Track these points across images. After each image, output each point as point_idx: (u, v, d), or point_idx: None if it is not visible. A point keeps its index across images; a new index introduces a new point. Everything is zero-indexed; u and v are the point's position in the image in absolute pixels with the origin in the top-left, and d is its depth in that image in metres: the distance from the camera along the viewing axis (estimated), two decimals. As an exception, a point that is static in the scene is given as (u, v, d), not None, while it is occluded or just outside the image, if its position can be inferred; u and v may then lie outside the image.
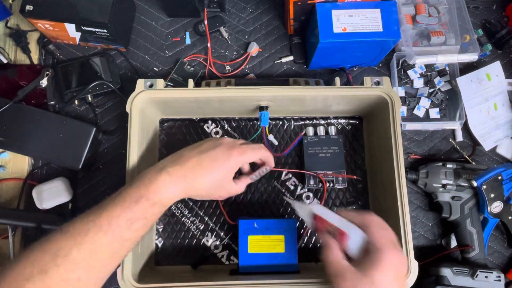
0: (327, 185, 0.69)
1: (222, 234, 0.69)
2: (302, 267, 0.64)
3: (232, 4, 0.80)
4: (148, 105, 0.64)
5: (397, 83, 0.75)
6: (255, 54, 0.78)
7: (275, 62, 0.78)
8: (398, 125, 0.61)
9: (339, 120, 0.73)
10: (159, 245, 0.68)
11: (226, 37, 0.78)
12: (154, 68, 0.77)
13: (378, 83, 0.63)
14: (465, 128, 0.74)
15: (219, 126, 0.73)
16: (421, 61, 0.73)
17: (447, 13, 0.75)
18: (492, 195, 0.64)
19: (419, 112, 0.75)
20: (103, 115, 0.75)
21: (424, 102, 0.75)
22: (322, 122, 0.73)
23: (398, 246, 0.45)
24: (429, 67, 0.77)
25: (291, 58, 0.78)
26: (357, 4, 0.65)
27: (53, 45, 0.76)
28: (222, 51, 0.78)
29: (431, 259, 0.67)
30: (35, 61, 0.76)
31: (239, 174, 0.63)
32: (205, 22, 0.75)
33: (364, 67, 0.78)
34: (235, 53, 0.78)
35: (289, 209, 0.70)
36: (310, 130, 0.72)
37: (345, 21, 0.64)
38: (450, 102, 0.76)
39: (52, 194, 0.68)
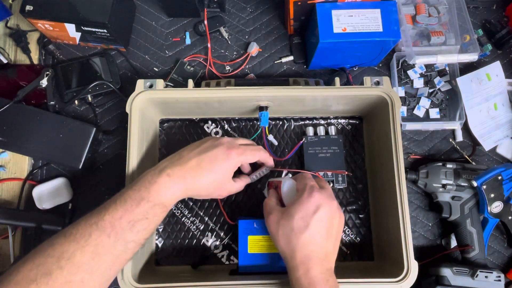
0: (327, 185, 0.69)
1: (222, 234, 0.69)
2: (302, 267, 0.64)
3: (232, 4, 0.80)
4: (148, 105, 0.64)
5: (397, 83, 0.75)
6: (255, 54, 0.78)
7: (275, 62, 0.78)
8: (398, 125, 0.61)
9: (339, 120, 0.73)
10: (159, 245, 0.68)
11: (226, 37, 0.78)
12: (154, 68, 0.77)
13: (378, 83, 0.63)
14: (465, 128, 0.74)
15: (219, 126, 0.73)
16: (421, 61, 0.73)
17: (447, 13, 0.75)
18: (492, 195, 0.64)
19: (419, 112, 0.75)
20: (103, 115, 0.75)
21: (424, 102, 0.75)
22: (322, 122, 0.73)
23: (313, 189, 0.53)
24: (429, 67, 0.77)
25: (291, 58, 0.78)
26: (357, 4, 0.65)
27: (53, 45, 0.76)
28: (222, 51, 0.78)
29: (431, 259, 0.67)
30: (35, 61, 0.76)
31: (238, 173, 0.63)
32: (205, 22, 0.75)
33: (364, 67, 0.78)
34: (235, 53, 0.78)
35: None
36: (310, 130, 0.72)
37: (345, 21, 0.64)
38: (450, 102, 0.76)
39: (52, 194, 0.68)
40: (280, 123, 0.73)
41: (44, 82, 0.71)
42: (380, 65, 0.78)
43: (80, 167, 0.67)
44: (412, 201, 0.72)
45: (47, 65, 0.75)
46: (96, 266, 0.45)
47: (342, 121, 0.73)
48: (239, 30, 0.79)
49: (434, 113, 0.75)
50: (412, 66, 0.76)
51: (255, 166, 0.66)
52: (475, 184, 0.64)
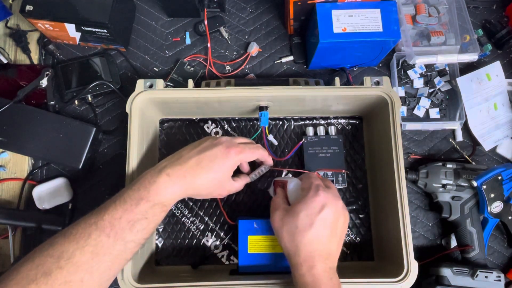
0: (327, 185, 0.69)
1: (222, 234, 0.69)
2: (302, 267, 0.64)
3: (232, 4, 0.80)
4: (148, 105, 0.64)
5: (397, 83, 0.75)
6: (255, 54, 0.78)
7: (275, 62, 0.78)
8: (398, 125, 0.61)
9: (339, 120, 0.73)
10: (159, 245, 0.68)
11: (226, 37, 0.78)
12: (154, 68, 0.77)
13: (378, 83, 0.63)
14: (465, 128, 0.74)
15: (219, 126, 0.73)
16: (421, 61, 0.73)
17: (447, 13, 0.75)
18: (492, 195, 0.64)
19: (419, 112, 0.75)
20: (103, 115, 0.75)
21: (424, 102, 0.75)
22: (322, 122, 0.73)
23: (319, 188, 0.53)
24: (429, 67, 0.77)
25: (291, 58, 0.78)
26: (357, 4, 0.65)
27: (53, 45, 0.76)
28: (222, 51, 0.78)
29: (431, 259, 0.67)
30: (35, 61, 0.76)
31: (238, 172, 0.63)
32: (205, 22, 0.75)
33: (364, 67, 0.78)
34: (235, 53, 0.78)
35: (289, 209, 0.70)
36: (310, 130, 0.72)
37: (345, 21, 0.64)
38: (450, 102, 0.76)
39: (52, 194, 0.68)
40: (280, 123, 0.73)
41: (44, 82, 0.71)
42: (380, 65, 0.78)
43: (80, 167, 0.67)
44: (412, 201, 0.72)
45: (47, 65, 0.75)
46: (96, 266, 0.45)
47: (342, 121, 0.73)
48: (239, 30, 0.79)
49: (434, 113, 0.75)
50: (412, 66, 0.76)
51: (254, 165, 0.66)
52: (475, 184, 0.64)
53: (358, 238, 0.69)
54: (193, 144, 0.56)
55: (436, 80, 0.76)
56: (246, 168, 0.64)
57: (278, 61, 0.78)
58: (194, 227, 0.69)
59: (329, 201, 0.52)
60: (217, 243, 0.68)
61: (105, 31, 0.69)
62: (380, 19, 0.64)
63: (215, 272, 0.65)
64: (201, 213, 0.69)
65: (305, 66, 0.78)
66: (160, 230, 0.68)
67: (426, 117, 0.76)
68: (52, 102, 0.71)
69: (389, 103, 0.62)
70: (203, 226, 0.69)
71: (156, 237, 0.68)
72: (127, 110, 0.61)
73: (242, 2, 0.80)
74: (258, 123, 0.72)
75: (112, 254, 0.47)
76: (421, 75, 0.76)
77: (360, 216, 0.69)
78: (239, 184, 0.60)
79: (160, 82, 0.62)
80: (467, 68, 0.77)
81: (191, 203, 0.69)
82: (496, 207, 0.65)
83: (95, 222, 0.47)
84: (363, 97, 0.64)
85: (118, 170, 0.72)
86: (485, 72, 0.74)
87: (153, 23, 0.79)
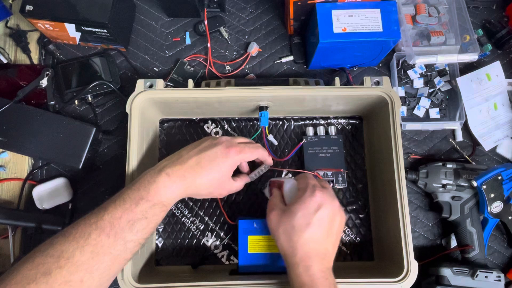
0: (327, 185, 0.69)
1: (222, 234, 0.69)
2: (302, 267, 0.64)
3: (232, 4, 0.80)
4: (148, 105, 0.64)
5: (397, 83, 0.75)
6: (255, 54, 0.78)
7: (275, 62, 0.78)
8: (398, 125, 0.61)
9: (339, 120, 0.73)
10: (159, 245, 0.68)
11: (226, 37, 0.78)
12: (154, 68, 0.77)
13: (378, 83, 0.63)
14: (465, 128, 0.74)
15: (219, 126, 0.73)
16: (421, 61, 0.73)
17: (447, 13, 0.75)
18: (492, 195, 0.64)
19: (419, 112, 0.75)
20: (103, 115, 0.75)
21: (424, 102, 0.75)
22: (322, 122, 0.73)
23: (315, 188, 0.53)
24: (429, 67, 0.77)
25: (291, 58, 0.78)
26: (357, 4, 0.65)
27: (53, 45, 0.76)
28: (222, 51, 0.78)
29: (431, 259, 0.67)
30: (35, 61, 0.76)
31: (238, 172, 0.63)
32: (205, 22, 0.75)
33: (364, 67, 0.78)
34: (235, 53, 0.78)
35: (289, 209, 0.70)
36: (310, 130, 0.72)
37: (345, 21, 0.64)
38: (450, 102, 0.76)
39: (52, 194, 0.68)
40: (280, 123, 0.73)
41: (44, 82, 0.71)
42: (380, 65, 0.78)
43: (80, 167, 0.67)
44: (412, 201, 0.72)
45: (47, 65, 0.75)
46: (96, 265, 0.45)
47: (342, 121, 0.73)
48: (239, 30, 0.79)
49: (434, 113, 0.75)
50: (412, 66, 0.76)
51: (253, 165, 0.66)
52: (475, 184, 0.64)
53: (358, 238, 0.69)
54: (193, 144, 0.56)
55: (436, 80, 0.76)
56: (245, 168, 0.64)
57: (278, 61, 0.78)
58: (194, 227, 0.69)
59: (325, 201, 0.52)
60: (217, 243, 0.68)
61: (105, 31, 0.69)
62: (380, 19, 0.64)
63: (215, 272, 0.65)
64: (201, 213, 0.69)
65: (305, 66, 0.78)
66: (160, 230, 0.68)
67: (426, 117, 0.76)
68: (52, 102, 0.71)
69: (389, 103, 0.62)
70: (203, 226, 0.69)
71: (156, 237, 0.68)
72: (127, 110, 0.61)
73: (242, 2, 0.80)
74: (258, 123, 0.72)
75: (112, 254, 0.47)
76: (421, 75, 0.76)
77: (360, 216, 0.69)
78: (239, 183, 0.60)
79: (160, 82, 0.62)
80: (467, 68, 0.77)
81: (191, 203, 0.70)
82: (496, 207, 0.65)
83: (95, 222, 0.47)
84: (363, 97, 0.64)
85: (118, 170, 0.72)
86: (485, 72, 0.74)
87: (153, 23, 0.79)
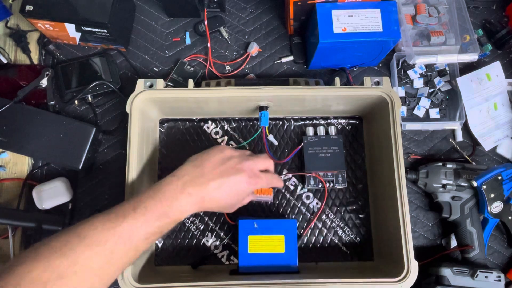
0: (327, 185, 0.69)
1: (222, 234, 0.69)
2: (302, 267, 0.64)
3: (232, 4, 0.80)
4: (148, 105, 0.64)
5: (397, 83, 0.75)
6: (255, 54, 0.78)
7: (275, 62, 0.78)
8: (398, 125, 0.61)
9: (339, 120, 0.73)
10: (159, 245, 0.68)
11: (226, 37, 0.78)
12: (154, 68, 0.77)
13: (378, 83, 0.63)
14: (465, 128, 0.74)
15: (219, 126, 0.73)
16: (421, 61, 0.73)
17: (447, 13, 0.75)
18: (492, 195, 0.64)
19: (419, 112, 0.75)
20: (103, 115, 0.75)
21: (424, 102, 0.75)
22: (322, 122, 0.73)
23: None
24: (429, 67, 0.77)
25: (291, 58, 0.78)
26: (357, 4, 0.65)
27: (53, 45, 0.76)
28: (222, 51, 0.78)
29: (431, 259, 0.67)
30: (35, 61, 0.76)
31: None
32: (205, 22, 0.75)
33: (364, 67, 0.78)
34: (235, 53, 0.78)
35: (289, 209, 0.70)
36: (310, 130, 0.72)
37: (345, 21, 0.64)
38: (450, 102, 0.76)
39: (52, 194, 0.68)
40: (280, 123, 0.73)
41: (44, 82, 0.71)
42: (380, 65, 0.78)
43: (80, 167, 0.67)
44: (412, 201, 0.72)
45: (47, 65, 0.75)
46: (109, 271, 0.46)
47: (342, 121, 0.73)
48: (239, 30, 0.79)
49: (434, 113, 0.75)
50: (412, 66, 0.76)
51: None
52: (475, 184, 0.64)
53: (358, 238, 0.69)
54: (216, 158, 0.55)
55: (436, 80, 0.76)
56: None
57: (278, 61, 0.78)
58: (194, 227, 0.69)
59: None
60: (217, 243, 0.68)
61: (105, 31, 0.69)
62: (380, 19, 0.64)
63: (215, 272, 0.65)
64: (201, 213, 0.69)
65: (305, 66, 0.78)
66: (160, 230, 0.68)
67: (426, 117, 0.76)
68: (52, 102, 0.71)
69: (389, 103, 0.62)
70: (203, 226, 0.69)
71: (156, 237, 0.68)
72: (127, 110, 0.61)
73: (242, 2, 0.80)
74: (258, 123, 0.72)
75: (125, 261, 0.47)
76: (421, 75, 0.76)
77: (360, 216, 0.69)
78: (246, 201, 0.61)
79: (160, 82, 0.62)
80: (467, 68, 0.77)
81: (191, 203, 0.69)
82: (496, 207, 0.65)
83: (114, 227, 0.46)
84: (363, 97, 0.64)
85: (118, 170, 0.72)
86: (485, 72, 0.74)
87: (153, 23, 0.79)
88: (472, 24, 0.74)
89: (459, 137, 0.74)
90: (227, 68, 0.77)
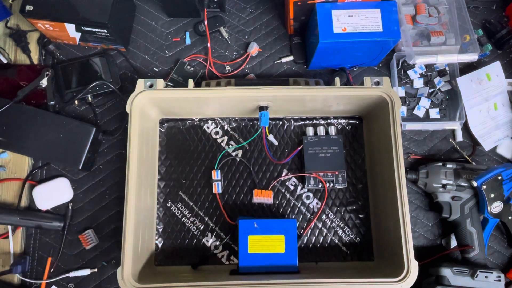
0: (327, 185, 0.69)
1: (222, 234, 0.69)
2: (302, 267, 0.64)
3: (232, 4, 0.80)
4: (148, 105, 0.64)
5: (397, 83, 0.75)
6: (255, 54, 0.78)
7: (275, 62, 0.78)
8: (398, 125, 0.61)
9: (339, 120, 0.73)
10: (159, 245, 0.68)
11: (226, 37, 0.78)
12: (154, 68, 0.77)
13: (378, 83, 0.63)
14: (465, 128, 0.74)
15: (219, 126, 0.73)
16: (421, 61, 0.73)
17: (447, 13, 0.75)
18: (492, 195, 0.64)
19: (419, 112, 0.75)
20: (103, 115, 0.75)
21: (424, 102, 0.75)
22: (322, 122, 0.73)
23: None
24: (429, 67, 0.77)
25: (291, 58, 0.78)
26: (357, 4, 0.65)
27: (53, 45, 0.76)
28: (222, 51, 0.78)
29: (431, 259, 0.67)
30: (35, 61, 0.76)
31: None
32: (205, 22, 0.75)
33: (364, 67, 0.78)
34: (235, 53, 0.78)
35: (289, 209, 0.70)
36: (310, 130, 0.72)
37: (345, 21, 0.64)
38: (450, 102, 0.76)
39: (52, 194, 0.68)
40: (280, 123, 0.73)
41: (44, 82, 0.71)
42: (380, 65, 0.78)
43: (80, 167, 0.67)
44: (412, 201, 0.72)
45: (47, 65, 0.75)
46: None
47: (342, 121, 0.73)
48: (239, 30, 0.79)
49: (434, 113, 0.75)
50: (412, 66, 0.76)
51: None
52: (475, 184, 0.64)
53: (358, 238, 0.69)
54: None
55: (436, 80, 0.76)
56: None
57: (278, 61, 0.78)
58: (194, 227, 0.69)
59: None
60: (217, 243, 0.68)
61: (105, 31, 0.69)
62: (380, 19, 0.64)
63: (215, 272, 0.65)
64: (201, 213, 0.69)
65: (305, 66, 0.78)
66: (160, 230, 0.68)
67: (426, 117, 0.75)
68: (52, 102, 0.71)
69: (389, 103, 0.62)
70: (203, 226, 0.69)
71: (156, 237, 0.68)
72: (127, 110, 0.61)
73: (242, 2, 0.80)
74: (258, 123, 0.72)
75: None
76: (421, 75, 0.76)
77: (360, 216, 0.69)
78: None
79: (160, 82, 0.62)
80: (467, 68, 0.77)
81: (191, 203, 0.70)
82: (496, 207, 0.65)
83: None
84: (363, 97, 0.64)
85: (118, 170, 0.72)
86: (485, 72, 0.74)
87: (153, 23, 0.79)
88: (472, 24, 0.74)
89: (459, 137, 0.74)
90: (227, 68, 0.77)
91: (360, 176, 0.71)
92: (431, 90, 0.76)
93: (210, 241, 0.68)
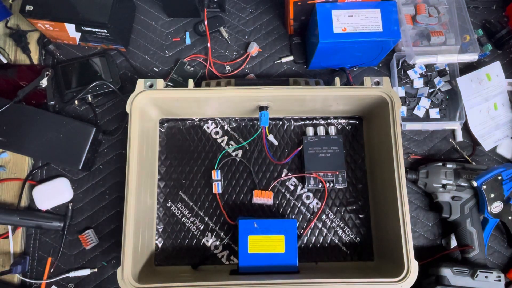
0: (327, 185, 0.69)
1: (222, 234, 0.69)
2: (302, 267, 0.64)
3: (232, 4, 0.80)
4: (148, 105, 0.64)
5: (397, 83, 0.75)
6: (255, 54, 0.78)
7: (275, 62, 0.78)
8: (398, 125, 0.61)
9: (339, 120, 0.73)
10: (159, 245, 0.68)
11: (226, 37, 0.78)
12: (154, 68, 0.77)
13: (378, 83, 0.63)
14: (465, 128, 0.74)
15: (219, 126, 0.73)
16: (421, 61, 0.73)
17: (447, 13, 0.75)
18: (492, 195, 0.64)
19: (419, 112, 0.75)
20: (103, 115, 0.75)
21: (424, 102, 0.75)
22: (322, 122, 0.73)
23: None
24: (429, 67, 0.77)
25: (291, 58, 0.78)
26: (357, 4, 0.65)
27: (53, 45, 0.76)
28: (222, 51, 0.78)
29: (431, 259, 0.67)
30: (35, 61, 0.76)
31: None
32: (205, 22, 0.75)
33: (364, 67, 0.78)
34: (235, 53, 0.78)
35: (289, 209, 0.70)
36: (310, 130, 0.72)
37: (345, 21, 0.64)
38: (450, 102, 0.76)
39: (52, 194, 0.68)
40: (280, 123, 0.73)
41: (44, 82, 0.71)
42: (380, 65, 0.78)
43: (80, 167, 0.67)
44: (412, 201, 0.72)
45: (47, 65, 0.75)
46: None
47: (342, 121, 0.73)
48: (239, 30, 0.79)
49: (434, 113, 0.75)
50: (412, 66, 0.76)
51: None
52: (475, 184, 0.64)
53: (358, 238, 0.69)
54: None
55: (436, 80, 0.76)
56: None
57: (278, 61, 0.78)
58: (194, 227, 0.69)
59: None
60: (217, 243, 0.68)
61: (105, 31, 0.69)
62: (380, 19, 0.64)
63: (215, 272, 0.65)
64: (201, 213, 0.69)
65: (305, 66, 0.78)
66: (160, 230, 0.68)
67: (426, 117, 0.75)
68: (52, 102, 0.71)
69: (389, 103, 0.62)
70: (203, 226, 0.69)
71: (156, 237, 0.68)
72: (127, 110, 0.61)
73: (242, 2, 0.80)
74: (258, 123, 0.72)
75: None
76: (421, 75, 0.76)
77: (360, 216, 0.69)
78: None
79: (160, 82, 0.62)
80: (467, 68, 0.77)
81: (191, 203, 0.70)
82: (496, 207, 0.65)
83: None
84: (363, 97, 0.64)
85: (118, 170, 0.72)
86: (485, 72, 0.74)
87: (153, 23, 0.79)
88: (472, 24, 0.74)
89: (459, 137, 0.74)
90: (227, 68, 0.77)
91: (360, 176, 0.71)
92: (431, 90, 0.76)
93: (210, 241, 0.68)
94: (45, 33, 0.73)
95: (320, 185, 0.69)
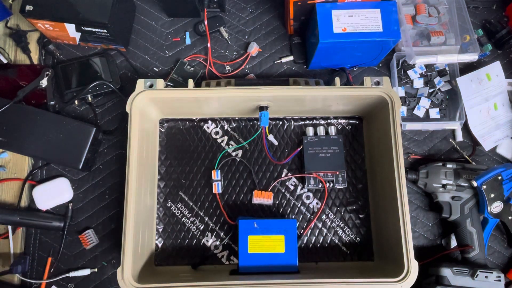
0: (327, 185, 0.69)
1: (222, 234, 0.69)
2: (302, 267, 0.64)
3: (232, 4, 0.80)
4: (148, 105, 0.64)
5: (397, 83, 0.75)
6: (255, 54, 0.78)
7: (275, 62, 0.78)
8: (398, 125, 0.61)
9: (339, 120, 0.73)
10: (159, 245, 0.68)
11: (226, 37, 0.78)
12: (154, 68, 0.77)
13: (378, 83, 0.63)
14: (465, 128, 0.74)
15: (219, 126, 0.73)
16: (421, 61, 0.73)
17: (447, 13, 0.75)
18: (492, 195, 0.64)
19: (419, 112, 0.75)
20: (103, 115, 0.75)
21: (424, 102, 0.75)
22: (322, 122, 0.73)
23: None
24: (429, 67, 0.77)
25: (291, 58, 0.78)
26: (357, 4, 0.65)
27: (53, 45, 0.76)
28: (222, 51, 0.78)
29: (431, 259, 0.67)
30: (35, 61, 0.76)
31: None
32: (205, 22, 0.75)
33: (364, 67, 0.78)
34: (235, 53, 0.78)
35: (289, 209, 0.70)
36: (310, 130, 0.72)
37: (345, 21, 0.64)
38: (450, 102, 0.76)
39: (52, 194, 0.68)
40: (280, 123, 0.73)
41: (44, 82, 0.71)
42: (380, 65, 0.78)
43: (80, 167, 0.67)
44: (412, 201, 0.72)
45: (47, 65, 0.75)
46: None
47: (342, 121, 0.73)
48: (239, 30, 0.79)
49: (434, 113, 0.75)
50: (412, 66, 0.76)
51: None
52: (475, 184, 0.64)
53: (358, 238, 0.69)
54: None
55: (436, 80, 0.76)
56: None
57: (278, 61, 0.78)
58: (194, 227, 0.69)
59: None
60: (217, 243, 0.68)
61: (105, 31, 0.69)
62: (380, 19, 0.64)
63: (215, 272, 0.65)
64: (201, 213, 0.69)
65: (305, 66, 0.78)
66: (160, 230, 0.68)
67: (426, 117, 0.75)
68: (52, 102, 0.71)
69: (389, 103, 0.62)
70: (203, 226, 0.69)
71: (156, 237, 0.68)
72: (127, 110, 0.61)
73: (242, 2, 0.80)
74: (258, 123, 0.72)
75: None
76: (421, 75, 0.76)
77: (360, 216, 0.69)
78: None
79: (160, 82, 0.62)
80: (467, 68, 0.77)
81: (191, 203, 0.70)
82: (496, 207, 0.65)
83: None
84: (363, 97, 0.64)
85: (118, 170, 0.72)
86: (485, 72, 0.74)
87: (153, 23, 0.79)
88: (472, 24, 0.74)
89: (459, 137, 0.74)
90: (227, 68, 0.77)
91: (360, 176, 0.71)
92: (431, 90, 0.76)
93: (210, 241, 0.68)
94: (45, 33, 0.73)
95: (320, 185, 0.69)
